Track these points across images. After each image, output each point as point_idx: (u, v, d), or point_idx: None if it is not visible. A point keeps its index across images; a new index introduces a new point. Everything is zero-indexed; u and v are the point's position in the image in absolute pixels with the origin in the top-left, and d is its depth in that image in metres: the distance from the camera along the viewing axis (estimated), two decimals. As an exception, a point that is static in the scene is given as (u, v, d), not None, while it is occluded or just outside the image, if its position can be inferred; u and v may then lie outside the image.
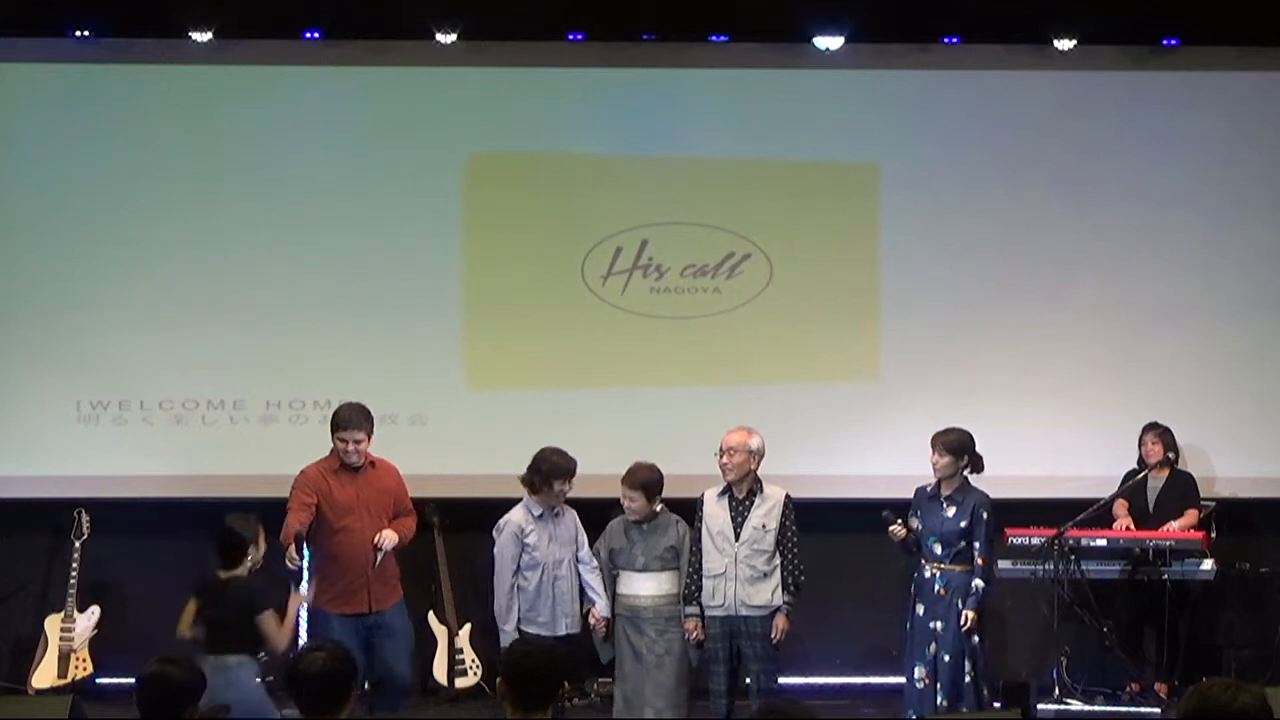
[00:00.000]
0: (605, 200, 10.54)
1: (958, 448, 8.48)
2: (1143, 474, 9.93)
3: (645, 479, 8.38)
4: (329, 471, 8.42)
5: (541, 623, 8.36)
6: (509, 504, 9.16)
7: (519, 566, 8.41)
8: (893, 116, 10.54)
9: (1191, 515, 9.86)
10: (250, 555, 7.70)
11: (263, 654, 7.56)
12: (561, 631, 8.36)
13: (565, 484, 8.41)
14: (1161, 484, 9.98)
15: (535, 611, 8.37)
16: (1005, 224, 10.54)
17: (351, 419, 8.41)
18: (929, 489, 8.60)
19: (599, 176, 10.54)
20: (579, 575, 8.46)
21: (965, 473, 8.52)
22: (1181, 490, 9.97)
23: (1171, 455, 9.96)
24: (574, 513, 8.57)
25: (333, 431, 8.47)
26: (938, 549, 8.48)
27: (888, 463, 9.88)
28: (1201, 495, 10.04)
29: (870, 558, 9.70)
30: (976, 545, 8.40)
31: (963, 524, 8.41)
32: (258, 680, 7.57)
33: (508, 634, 8.32)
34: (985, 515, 8.41)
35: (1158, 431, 9.97)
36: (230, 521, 7.75)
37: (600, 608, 8.44)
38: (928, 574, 8.49)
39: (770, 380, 10.36)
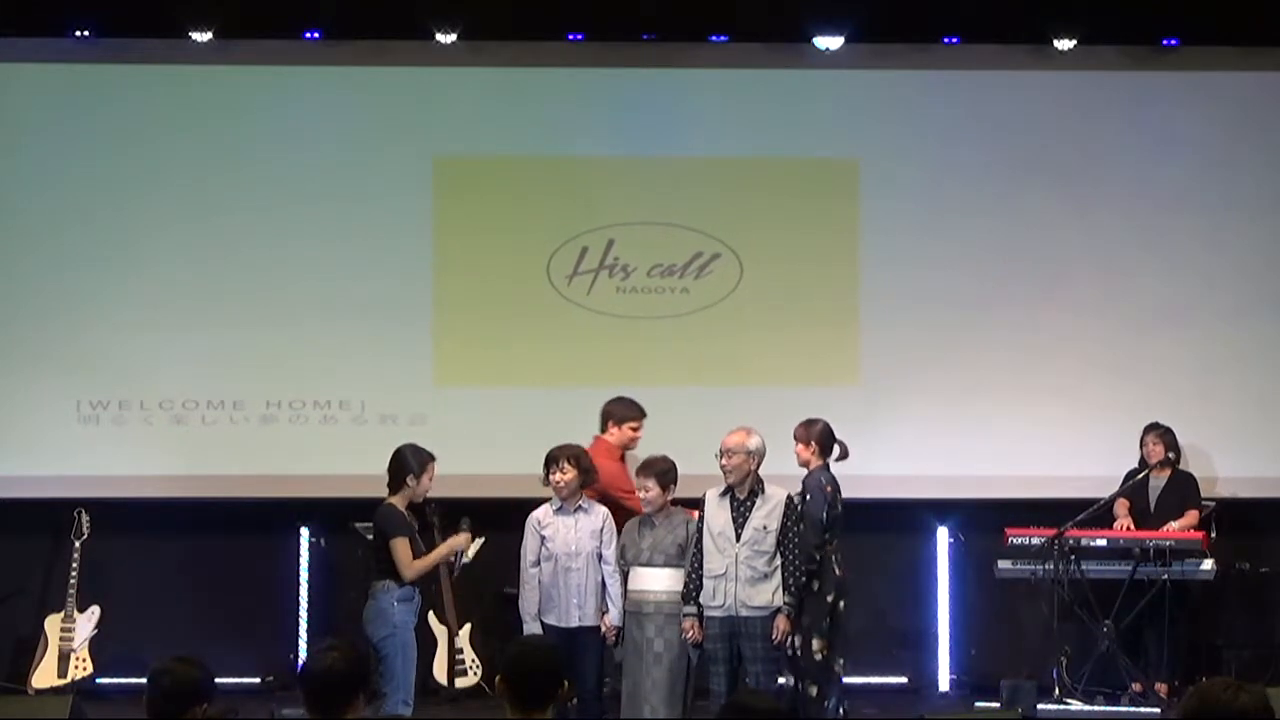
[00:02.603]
0: (582, 200, 10.55)
1: (803, 437, 8.72)
2: (1144, 474, 9.93)
3: (660, 468, 8.40)
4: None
5: (555, 614, 8.40)
6: (504, 504, 9.21)
7: (539, 559, 8.46)
8: (891, 117, 10.54)
9: (1192, 515, 9.86)
10: (409, 484, 8.19)
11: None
12: (574, 624, 8.38)
13: (555, 473, 8.43)
14: (1163, 484, 9.98)
15: (551, 602, 8.41)
16: (1005, 224, 10.54)
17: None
18: None
19: (588, 176, 10.55)
20: (601, 572, 8.48)
21: (827, 460, 8.70)
22: (1182, 490, 9.97)
23: (1172, 455, 9.96)
24: (606, 511, 8.55)
25: (620, 421, 8.94)
26: None
27: (883, 464, 9.91)
28: (1202, 495, 10.04)
29: (869, 558, 9.70)
30: None
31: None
32: (396, 602, 8.08)
33: (529, 625, 8.39)
34: (809, 497, 8.55)
35: (1159, 432, 9.97)
36: (402, 447, 8.30)
37: (611, 616, 8.44)
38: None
39: (742, 381, 10.33)
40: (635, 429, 9.03)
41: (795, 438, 8.71)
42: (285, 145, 10.41)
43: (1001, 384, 10.44)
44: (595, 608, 8.42)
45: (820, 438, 8.70)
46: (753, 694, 5.42)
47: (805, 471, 8.67)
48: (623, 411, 9.05)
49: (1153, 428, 9.99)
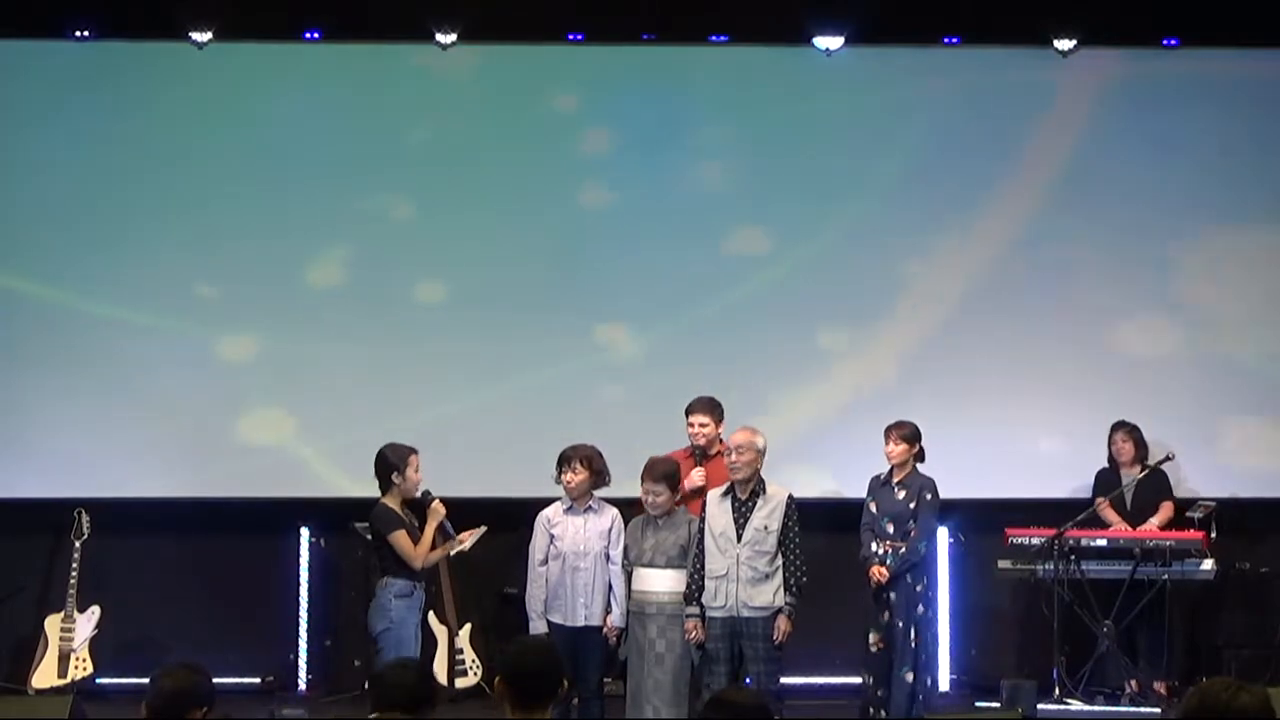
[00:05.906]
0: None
1: (910, 437, 8.99)
2: (1134, 478, 9.93)
3: (667, 470, 8.40)
4: None
5: (561, 613, 8.41)
6: (507, 503, 9.21)
7: (546, 557, 8.46)
8: (890, 117, 10.54)
9: (1168, 508, 9.89)
10: (396, 480, 8.22)
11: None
12: (579, 623, 8.40)
13: (566, 473, 8.43)
14: (1135, 480, 9.97)
15: (558, 600, 8.42)
16: (1004, 223, 10.55)
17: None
18: (881, 476, 9.08)
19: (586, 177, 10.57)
20: (609, 572, 8.48)
21: (915, 461, 9.02)
22: (1155, 485, 9.98)
23: (1169, 455, 9.94)
24: (615, 512, 8.57)
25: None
26: (890, 528, 8.89)
27: (882, 463, 9.90)
28: (1199, 495, 10.05)
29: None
30: (913, 522, 8.92)
31: (911, 505, 8.92)
32: (394, 598, 8.13)
33: (535, 623, 8.40)
34: (929, 496, 8.92)
35: (1128, 429, 9.99)
36: (383, 448, 8.33)
37: (614, 617, 8.45)
38: (880, 551, 8.90)
39: (742, 380, 10.33)
40: (689, 424, 8.96)
41: (899, 437, 8.93)
42: (286, 145, 10.41)
43: (1000, 384, 10.44)
44: (601, 607, 8.44)
45: (919, 437, 9.03)
46: (737, 690, 5.42)
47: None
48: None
49: (1120, 425, 10.01)
